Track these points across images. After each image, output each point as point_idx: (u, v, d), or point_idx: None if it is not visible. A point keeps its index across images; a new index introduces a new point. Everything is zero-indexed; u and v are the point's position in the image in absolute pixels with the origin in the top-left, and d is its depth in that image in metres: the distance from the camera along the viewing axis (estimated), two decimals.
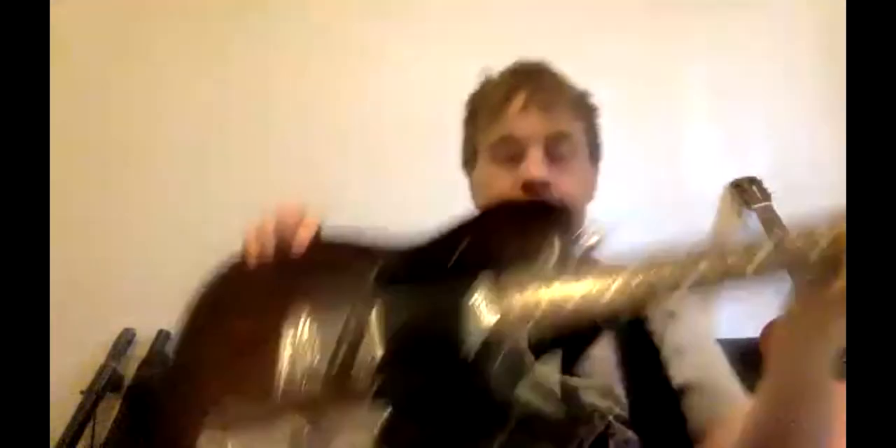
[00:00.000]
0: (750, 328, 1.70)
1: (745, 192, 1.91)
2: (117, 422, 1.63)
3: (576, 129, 0.93)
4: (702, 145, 2.02)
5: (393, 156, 1.95)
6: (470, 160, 0.99)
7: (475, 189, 0.98)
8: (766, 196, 1.88)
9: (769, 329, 1.66)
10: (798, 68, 2.06)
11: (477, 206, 0.95)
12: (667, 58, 2.03)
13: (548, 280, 0.64)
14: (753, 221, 1.90)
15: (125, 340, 1.79)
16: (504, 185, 0.88)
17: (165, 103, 1.95)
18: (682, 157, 2.01)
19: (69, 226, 1.84)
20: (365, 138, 1.96)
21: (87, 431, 1.64)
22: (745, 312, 1.85)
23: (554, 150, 0.89)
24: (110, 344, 1.78)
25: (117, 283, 1.87)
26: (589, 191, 0.97)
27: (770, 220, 1.81)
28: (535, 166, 0.86)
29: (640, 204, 1.94)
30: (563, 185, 0.87)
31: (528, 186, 0.85)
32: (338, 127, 1.96)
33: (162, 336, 1.81)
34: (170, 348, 1.81)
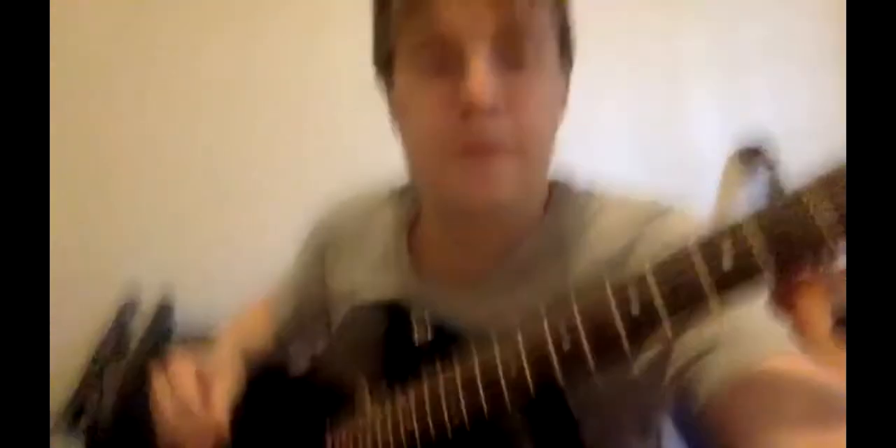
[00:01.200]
0: None
1: (751, 157, 1.90)
2: (123, 388, 1.63)
3: (539, 16, 0.60)
4: (705, 109, 2.00)
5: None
6: (385, 66, 0.67)
7: (395, 112, 0.69)
8: (772, 161, 1.87)
9: None
10: (800, 28, 2.03)
11: (399, 135, 0.68)
12: (666, 20, 2.00)
13: None
14: (758, 187, 1.89)
15: (129, 309, 1.80)
16: (435, 112, 0.60)
17: (159, 57, 1.94)
18: (686, 121, 1.99)
19: (77, 194, 1.84)
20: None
21: (94, 397, 1.65)
22: None
23: (508, 53, 0.59)
24: (114, 312, 1.78)
25: (121, 253, 1.87)
26: (557, 112, 0.67)
27: (775, 185, 1.80)
28: (478, 84, 0.56)
29: (642, 170, 1.93)
30: (521, 111, 0.60)
31: (469, 114, 0.58)
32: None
33: (164, 306, 1.82)
34: (171, 319, 1.82)
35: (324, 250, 0.87)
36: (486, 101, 0.57)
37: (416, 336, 0.65)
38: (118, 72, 1.91)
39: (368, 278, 0.79)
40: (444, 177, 0.62)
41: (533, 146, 0.62)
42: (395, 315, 0.70)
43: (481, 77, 0.57)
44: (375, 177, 0.89)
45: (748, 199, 1.96)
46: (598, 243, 0.67)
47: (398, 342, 0.67)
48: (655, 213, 0.66)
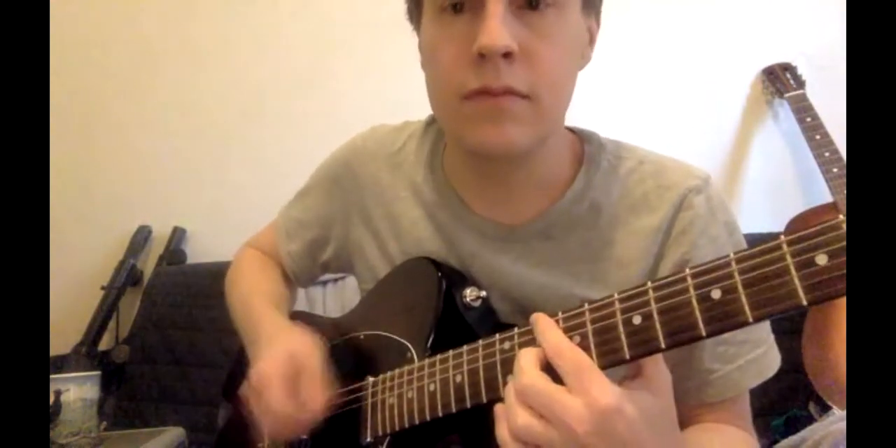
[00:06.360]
0: (771, 223, 1.65)
1: (778, 79, 1.79)
2: (139, 314, 1.67)
3: None
4: (732, 29, 1.86)
5: None
6: (414, 10, 0.69)
7: (422, 55, 0.69)
8: (800, 83, 1.75)
9: (793, 225, 1.61)
10: None
11: (425, 74, 0.68)
12: None
13: None
14: (785, 111, 1.79)
15: (142, 237, 1.81)
16: (451, 52, 0.60)
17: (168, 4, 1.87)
18: (712, 41, 1.86)
19: (86, 126, 1.83)
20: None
21: (112, 324, 1.69)
22: (768, 206, 1.80)
23: None
24: (127, 241, 1.80)
25: (133, 182, 1.87)
26: (577, 54, 0.65)
27: (803, 109, 1.70)
28: (493, 29, 0.56)
29: (664, 94, 1.84)
30: (536, 54, 0.59)
31: (483, 57, 0.57)
32: None
33: (177, 232, 1.82)
34: (184, 244, 1.83)
35: (347, 192, 0.84)
36: (500, 45, 0.56)
37: (464, 300, 0.69)
38: (127, 21, 1.90)
39: (403, 216, 0.78)
40: (459, 119, 0.62)
41: (546, 91, 0.60)
42: (444, 274, 0.71)
43: (496, 21, 0.56)
44: (376, 121, 0.86)
45: (774, 118, 1.87)
46: (636, 211, 0.69)
47: (446, 303, 0.69)
48: (693, 188, 0.68)
